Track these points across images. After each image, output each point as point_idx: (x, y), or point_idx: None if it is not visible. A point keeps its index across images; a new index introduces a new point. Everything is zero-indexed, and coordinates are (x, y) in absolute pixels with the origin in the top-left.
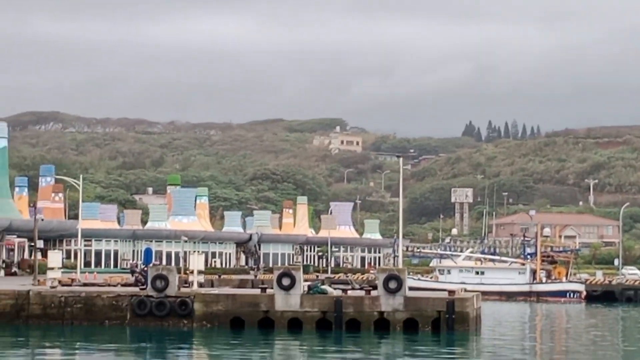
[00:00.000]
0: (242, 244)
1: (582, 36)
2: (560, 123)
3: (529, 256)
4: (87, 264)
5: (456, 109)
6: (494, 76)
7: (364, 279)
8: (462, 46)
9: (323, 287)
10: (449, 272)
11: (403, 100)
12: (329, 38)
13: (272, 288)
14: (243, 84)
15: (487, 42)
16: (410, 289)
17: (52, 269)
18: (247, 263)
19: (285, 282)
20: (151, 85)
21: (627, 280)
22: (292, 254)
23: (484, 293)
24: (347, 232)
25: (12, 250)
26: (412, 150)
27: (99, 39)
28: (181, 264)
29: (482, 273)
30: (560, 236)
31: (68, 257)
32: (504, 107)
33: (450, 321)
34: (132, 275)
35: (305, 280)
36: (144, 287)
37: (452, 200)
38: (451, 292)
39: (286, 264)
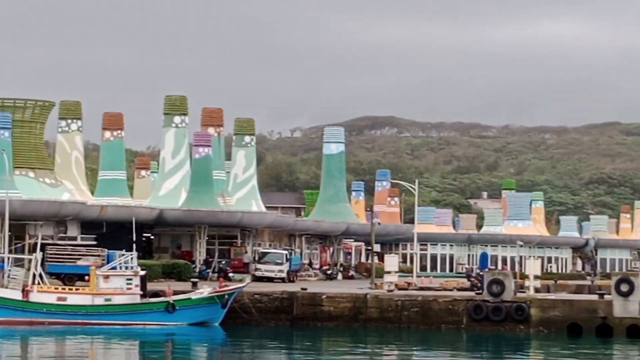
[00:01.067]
0: (578, 249)
1: None
2: None
3: None
4: (422, 267)
5: None
6: None
7: None
8: None
9: None
10: None
11: None
12: None
13: (609, 294)
14: (580, 86)
15: None
16: None
17: (388, 272)
18: (583, 268)
19: (624, 288)
20: (486, 88)
21: None
22: (630, 260)
23: None
24: None
25: (350, 253)
26: None
27: (434, 41)
28: (517, 269)
29: None
30: None
31: (404, 260)
32: None
33: None
34: (468, 280)
35: None
36: (480, 291)
37: None
38: None
39: (623, 269)
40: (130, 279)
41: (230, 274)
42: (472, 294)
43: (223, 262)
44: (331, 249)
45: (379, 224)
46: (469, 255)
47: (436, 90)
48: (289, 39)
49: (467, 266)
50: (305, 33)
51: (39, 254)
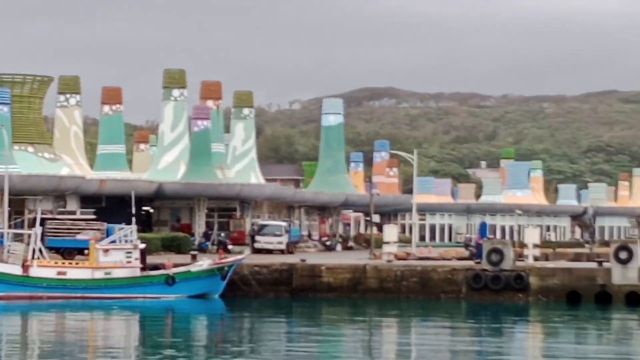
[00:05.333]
0: (576, 217)
1: None
2: None
3: None
4: (421, 238)
5: None
6: None
7: None
8: None
9: None
10: None
11: None
12: None
13: (608, 262)
14: (577, 55)
15: None
16: None
17: (387, 243)
18: (582, 236)
19: (623, 255)
20: (484, 58)
21: None
22: (628, 227)
23: None
24: None
25: (348, 224)
26: None
27: (429, 11)
28: (515, 238)
29: None
30: None
31: (403, 231)
32: None
33: None
34: (466, 249)
35: None
36: (479, 260)
37: None
38: None
39: (622, 237)
40: (130, 253)
41: (230, 246)
42: (471, 263)
43: (222, 235)
44: (330, 220)
45: (378, 194)
46: (467, 224)
47: (434, 61)
48: (289, 10)
49: (466, 235)
50: (305, 5)
51: (38, 229)
